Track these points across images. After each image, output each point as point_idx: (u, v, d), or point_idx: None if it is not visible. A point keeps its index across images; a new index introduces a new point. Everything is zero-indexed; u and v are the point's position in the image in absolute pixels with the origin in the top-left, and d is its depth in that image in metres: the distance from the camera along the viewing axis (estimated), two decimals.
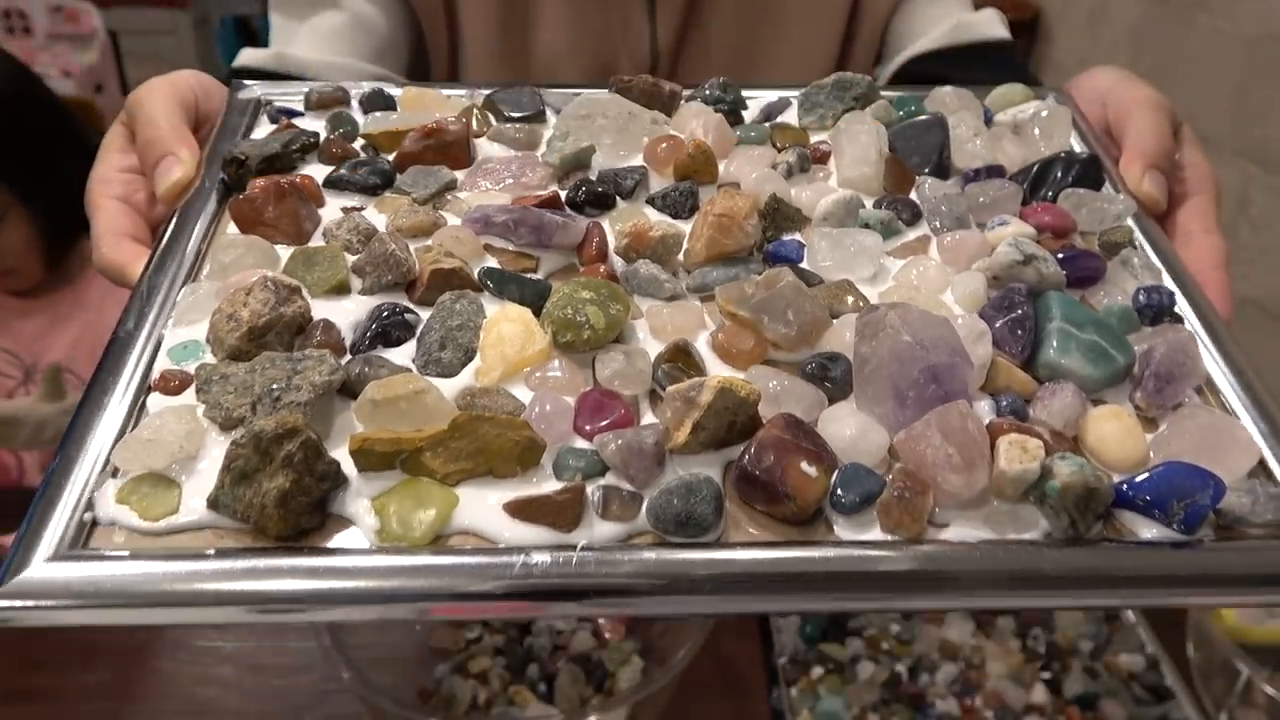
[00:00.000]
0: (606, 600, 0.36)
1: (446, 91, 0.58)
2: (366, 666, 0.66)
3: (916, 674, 0.79)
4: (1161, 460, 0.39)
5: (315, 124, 0.55)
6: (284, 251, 0.47)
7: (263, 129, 0.56)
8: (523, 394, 0.41)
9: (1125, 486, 0.38)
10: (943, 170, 0.53)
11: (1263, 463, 0.40)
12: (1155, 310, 0.45)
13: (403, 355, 0.43)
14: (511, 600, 0.35)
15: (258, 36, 4.73)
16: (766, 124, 0.57)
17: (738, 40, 0.78)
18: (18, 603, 0.34)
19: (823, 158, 0.54)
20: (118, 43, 4.26)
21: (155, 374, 0.41)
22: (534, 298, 0.44)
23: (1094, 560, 0.37)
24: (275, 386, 0.39)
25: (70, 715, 0.78)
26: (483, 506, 0.37)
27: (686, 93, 0.58)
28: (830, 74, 0.56)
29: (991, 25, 0.77)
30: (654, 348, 0.43)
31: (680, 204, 0.51)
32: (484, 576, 0.35)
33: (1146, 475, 0.38)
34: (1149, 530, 0.37)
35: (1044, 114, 0.55)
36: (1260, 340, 1.70)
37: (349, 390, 0.40)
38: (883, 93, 0.58)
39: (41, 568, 0.35)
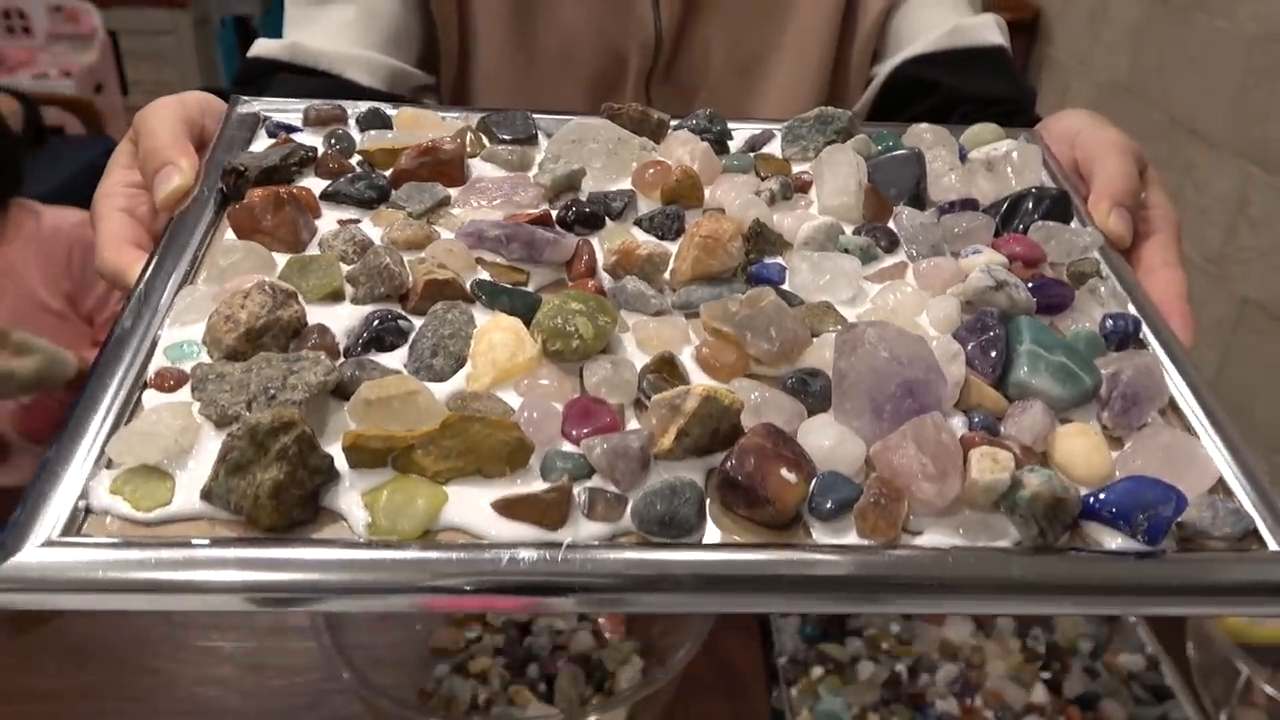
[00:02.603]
0: (590, 596, 0.37)
1: (442, 114, 0.60)
2: (366, 666, 0.67)
3: (916, 674, 0.81)
4: (1126, 475, 0.41)
5: (313, 139, 0.57)
6: (280, 259, 0.48)
7: (260, 143, 0.57)
8: (512, 400, 0.42)
9: (1091, 499, 0.40)
10: (919, 201, 0.55)
11: (1222, 481, 0.42)
12: (1121, 336, 0.48)
13: (395, 360, 0.44)
14: (497, 595, 0.36)
15: (258, 36, 4.89)
16: (751, 154, 0.59)
17: (739, 29, 0.80)
18: (12, 587, 0.35)
19: (804, 187, 0.56)
20: (118, 43, 4.32)
21: (151, 372, 0.42)
22: (524, 309, 0.46)
23: (1061, 568, 0.38)
24: (271, 385, 0.40)
25: (70, 715, 0.78)
26: (471, 504, 0.38)
27: (674, 122, 0.61)
28: (831, 69, 0.58)
29: (987, 31, 0.78)
30: (640, 359, 0.45)
31: (667, 226, 0.52)
32: (471, 571, 0.36)
33: (1112, 488, 0.40)
34: (1114, 541, 0.39)
35: (1015, 152, 0.57)
36: (1260, 340, 1.71)
37: (342, 392, 0.41)
38: (862, 128, 0.60)
39: (35, 553, 0.35)
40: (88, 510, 0.37)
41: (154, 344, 0.44)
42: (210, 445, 0.39)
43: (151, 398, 0.41)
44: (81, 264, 1.46)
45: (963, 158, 0.59)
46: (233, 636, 0.84)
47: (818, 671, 0.80)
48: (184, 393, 0.41)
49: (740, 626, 0.84)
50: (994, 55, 0.78)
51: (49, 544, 0.36)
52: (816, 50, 0.80)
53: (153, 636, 0.84)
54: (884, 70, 0.80)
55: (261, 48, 0.73)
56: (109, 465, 0.39)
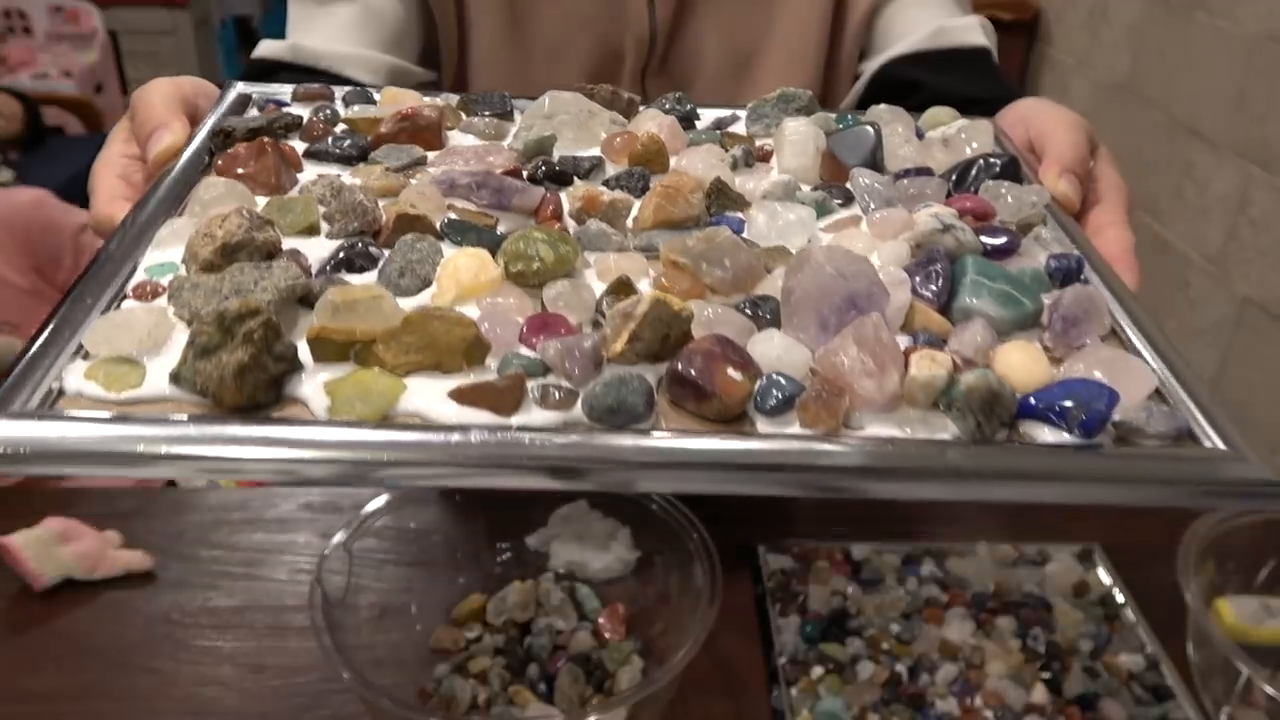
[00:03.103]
0: (538, 475, 0.38)
1: (426, 97, 0.64)
2: (366, 666, 0.67)
3: (916, 674, 0.80)
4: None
5: (299, 112, 0.61)
6: (261, 201, 0.51)
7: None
8: (474, 315, 0.44)
9: (1028, 398, 0.41)
10: (876, 169, 0.58)
11: (1159, 391, 0.44)
12: (1064, 273, 0.49)
13: (363, 280, 0.46)
14: (449, 469, 0.38)
15: (257, 36, 5.04)
16: (717, 130, 0.62)
17: (732, 24, 0.82)
18: None
19: (765, 156, 0.59)
20: (118, 43, 4.41)
21: (131, 286, 0.45)
22: (491, 245, 0.48)
23: (998, 458, 0.40)
24: (242, 288, 0.42)
25: (69, 715, 0.78)
26: (429, 394, 0.40)
27: (643, 107, 0.64)
28: (824, 64, 0.61)
29: (971, 33, 0.80)
30: (600, 289, 0.47)
31: (633, 187, 0.55)
32: (426, 448, 0.38)
33: (1048, 388, 0.41)
34: (1051, 437, 0.40)
35: (969, 129, 0.60)
36: (1260, 340, 1.70)
37: (309, 302, 0.44)
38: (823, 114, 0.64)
39: (7, 425, 0.37)
40: (61, 392, 0.39)
41: (135, 267, 0.46)
42: (180, 341, 0.41)
43: (129, 304, 0.43)
44: (41, 239, 1.50)
45: (920, 136, 0.62)
46: (232, 636, 0.84)
47: (818, 671, 0.80)
48: (161, 301, 0.44)
49: (740, 626, 0.84)
50: (977, 56, 0.81)
51: (22, 418, 0.37)
52: (809, 46, 0.82)
53: (153, 636, 0.84)
54: (869, 69, 0.82)
55: (264, 49, 0.76)
56: (85, 357, 0.41)
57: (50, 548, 0.87)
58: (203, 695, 0.79)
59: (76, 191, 1.87)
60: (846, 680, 0.80)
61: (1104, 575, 0.91)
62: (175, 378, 0.39)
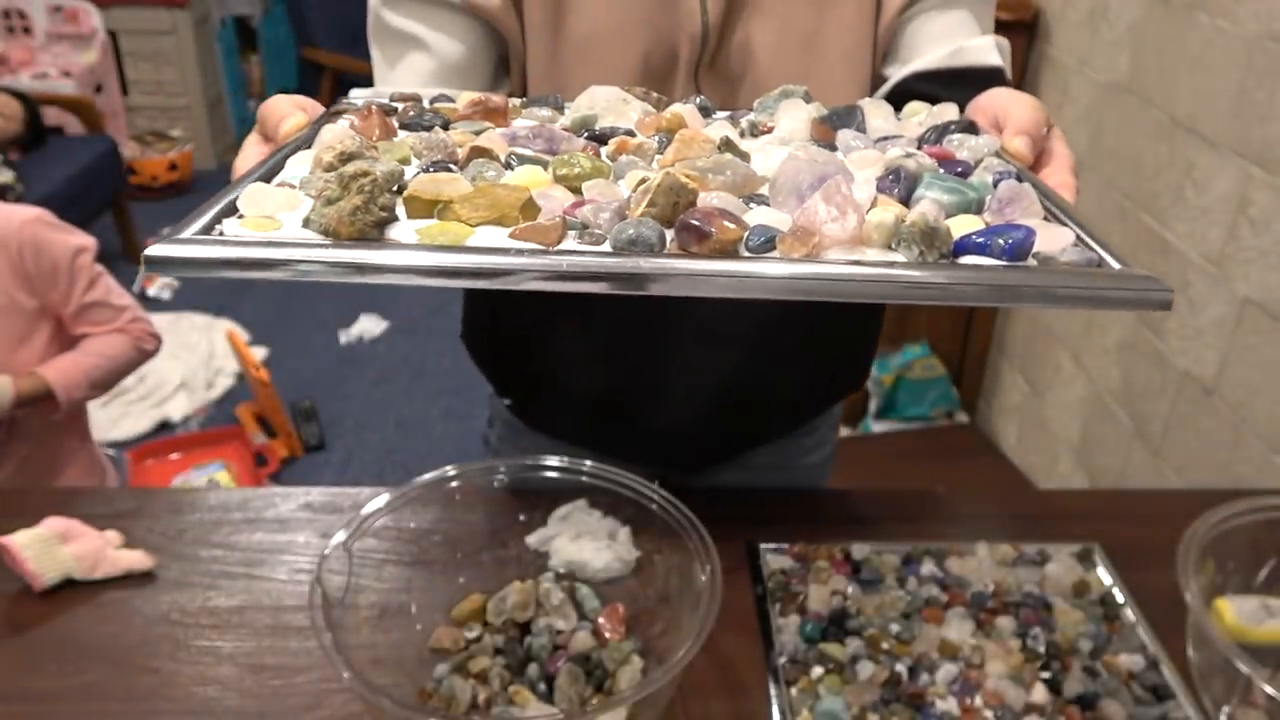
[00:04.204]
0: (577, 281, 0.59)
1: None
2: (366, 666, 0.77)
3: (916, 674, 0.91)
4: None
5: (395, 106, 0.85)
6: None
7: None
8: None
9: (964, 236, 0.61)
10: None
11: (1076, 242, 0.63)
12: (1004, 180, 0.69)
13: None
14: (507, 276, 0.59)
15: (258, 36, 5.27)
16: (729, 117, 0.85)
17: (782, 21, 0.98)
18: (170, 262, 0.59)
19: (768, 130, 0.81)
20: (118, 43, 4.94)
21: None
22: (544, 166, 0.70)
23: (938, 273, 0.59)
24: (355, 175, 0.63)
25: (70, 715, 0.89)
26: (493, 237, 0.61)
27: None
28: (870, 63, 0.88)
29: (988, 53, 0.98)
30: (628, 192, 0.68)
31: (659, 145, 0.77)
32: (488, 258, 0.59)
33: (979, 230, 0.61)
34: (984, 264, 0.60)
35: (938, 109, 0.83)
36: (1260, 340, 1.82)
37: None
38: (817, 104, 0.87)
39: (184, 243, 0.59)
40: (221, 233, 0.61)
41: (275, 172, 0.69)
42: (306, 210, 0.62)
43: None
44: (34, 261, 1.69)
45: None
46: (233, 636, 0.95)
47: (818, 671, 0.91)
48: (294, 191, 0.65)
49: (740, 626, 0.95)
50: (992, 76, 1.00)
51: (192, 240, 0.60)
52: (857, 44, 0.98)
53: (153, 636, 0.95)
54: (890, 83, 1.02)
55: (354, 95, 0.97)
56: (239, 216, 0.63)
57: (50, 548, 1.00)
58: (203, 695, 0.89)
59: (76, 191, 2.15)
60: (846, 680, 0.91)
61: (1104, 575, 1.04)
62: (306, 222, 0.60)
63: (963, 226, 0.64)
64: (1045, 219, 0.68)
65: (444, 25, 0.97)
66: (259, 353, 3.63)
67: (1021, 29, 2.67)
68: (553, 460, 0.97)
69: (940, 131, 0.80)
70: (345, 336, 3.89)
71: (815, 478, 1.35)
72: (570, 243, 0.62)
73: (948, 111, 0.83)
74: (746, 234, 0.62)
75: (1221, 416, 2.02)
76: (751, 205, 0.66)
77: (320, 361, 3.73)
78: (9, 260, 1.70)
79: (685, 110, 0.83)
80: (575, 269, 0.59)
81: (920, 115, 0.86)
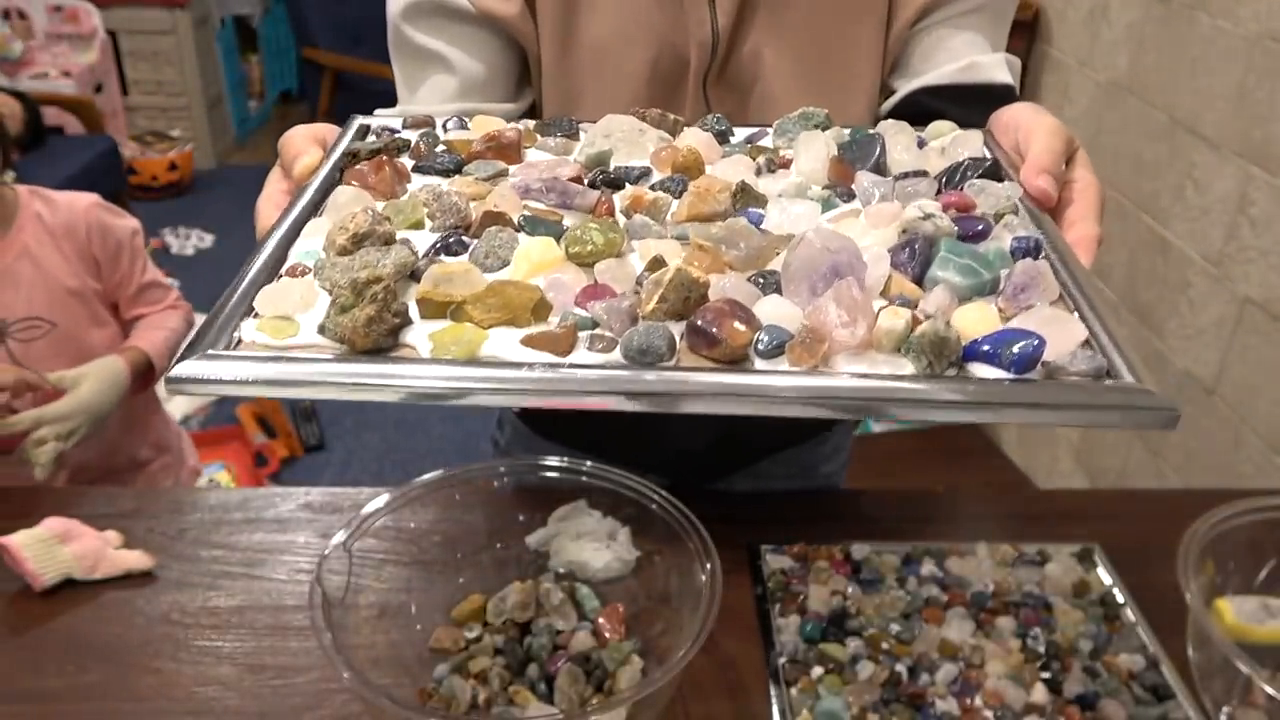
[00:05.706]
0: (585, 396, 0.62)
1: (510, 123, 0.90)
2: (366, 666, 0.80)
3: (916, 674, 0.95)
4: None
5: (409, 136, 0.88)
6: (380, 204, 0.76)
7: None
8: (541, 284, 0.68)
9: (972, 342, 0.63)
10: (880, 172, 0.80)
11: (1090, 342, 0.65)
12: (1024, 251, 0.71)
13: (457, 261, 0.71)
14: (518, 394, 0.62)
15: (258, 36, 5.34)
16: (747, 144, 0.88)
17: (791, 33, 1.00)
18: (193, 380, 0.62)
19: (786, 164, 0.83)
20: (118, 43, 5.02)
21: (284, 269, 0.70)
22: (556, 235, 0.73)
23: (946, 389, 0.62)
24: (368, 265, 0.66)
25: (70, 715, 0.92)
26: (505, 341, 0.64)
27: (686, 128, 0.89)
28: (879, 76, 0.88)
29: (999, 70, 1.01)
30: (641, 267, 0.70)
31: (673, 189, 0.80)
32: (499, 377, 0.62)
33: (988, 336, 0.63)
34: (991, 374, 0.62)
35: (961, 136, 0.84)
36: (1260, 340, 1.89)
37: (418, 277, 0.68)
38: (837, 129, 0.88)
39: (203, 361, 0.62)
40: (239, 340, 0.64)
41: (285, 255, 0.72)
42: (323, 304, 0.65)
43: (285, 280, 0.68)
44: (101, 244, 1.76)
45: (921, 146, 0.86)
46: (233, 636, 0.98)
47: (818, 671, 0.94)
48: (308, 278, 0.68)
49: (740, 626, 0.99)
50: (1002, 93, 1.00)
51: (213, 357, 0.63)
52: (868, 55, 1.01)
53: (153, 636, 0.98)
54: (901, 90, 1.04)
55: (379, 115, 1.01)
56: (254, 315, 0.65)
57: (50, 548, 1.03)
58: (203, 695, 0.92)
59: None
60: (846, 680, 0.95)
61: (1104, 575, 1.08)
62: (320, 329, 0.63)
63: (975, 320, 0.67)
64: (1062, 296, 0.71)
65: (464, 40, 1.00)
66: None
67: (1021, 29, 2.71)
68: (553, 460, 1.00)
69: (959, 172, 0.82)
70: None
71: (829, 487, 1.40)
72: (581, 350, 0.65)
73: (970, 141, 0.85)
74: (756, 336, 0.65)
75: (1221, 416, 2.08)
76: (762, 293, 0.70)
77: None
78: (77, 246, 1.77)
79: (701, 140, 0.86)
80: (587, 388, 0.63)
81: (945, 138, 0.87)
